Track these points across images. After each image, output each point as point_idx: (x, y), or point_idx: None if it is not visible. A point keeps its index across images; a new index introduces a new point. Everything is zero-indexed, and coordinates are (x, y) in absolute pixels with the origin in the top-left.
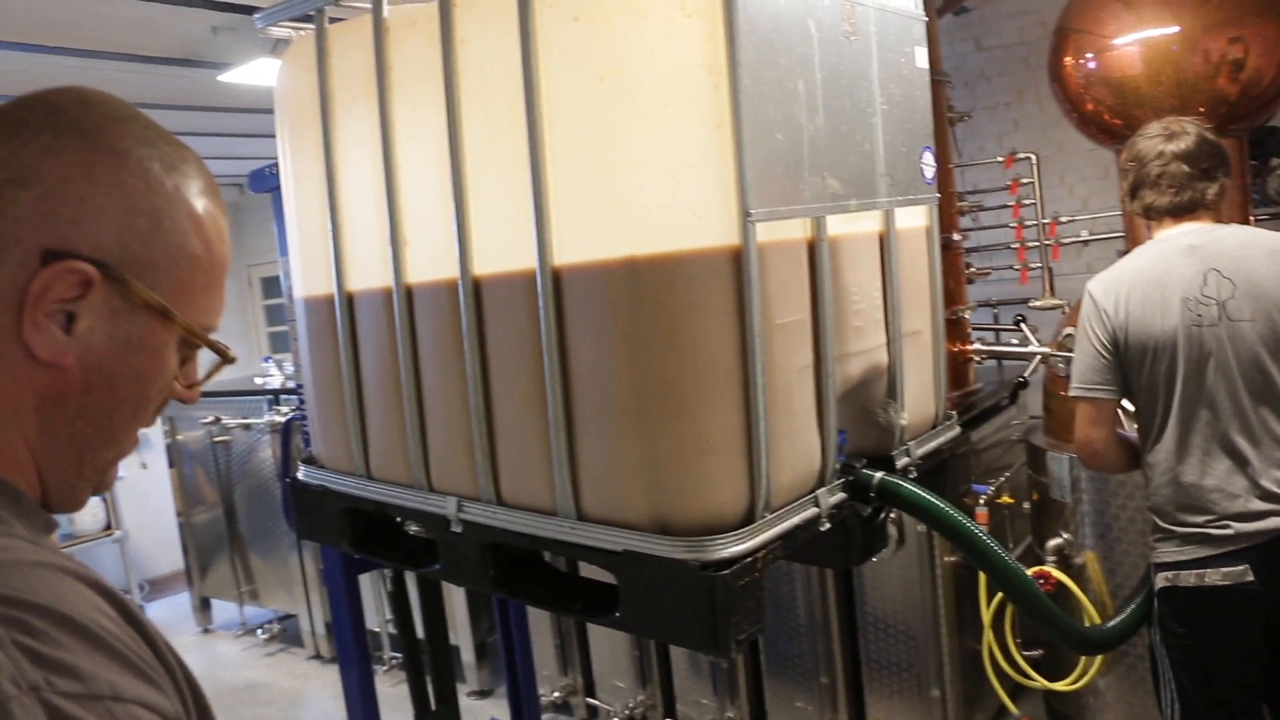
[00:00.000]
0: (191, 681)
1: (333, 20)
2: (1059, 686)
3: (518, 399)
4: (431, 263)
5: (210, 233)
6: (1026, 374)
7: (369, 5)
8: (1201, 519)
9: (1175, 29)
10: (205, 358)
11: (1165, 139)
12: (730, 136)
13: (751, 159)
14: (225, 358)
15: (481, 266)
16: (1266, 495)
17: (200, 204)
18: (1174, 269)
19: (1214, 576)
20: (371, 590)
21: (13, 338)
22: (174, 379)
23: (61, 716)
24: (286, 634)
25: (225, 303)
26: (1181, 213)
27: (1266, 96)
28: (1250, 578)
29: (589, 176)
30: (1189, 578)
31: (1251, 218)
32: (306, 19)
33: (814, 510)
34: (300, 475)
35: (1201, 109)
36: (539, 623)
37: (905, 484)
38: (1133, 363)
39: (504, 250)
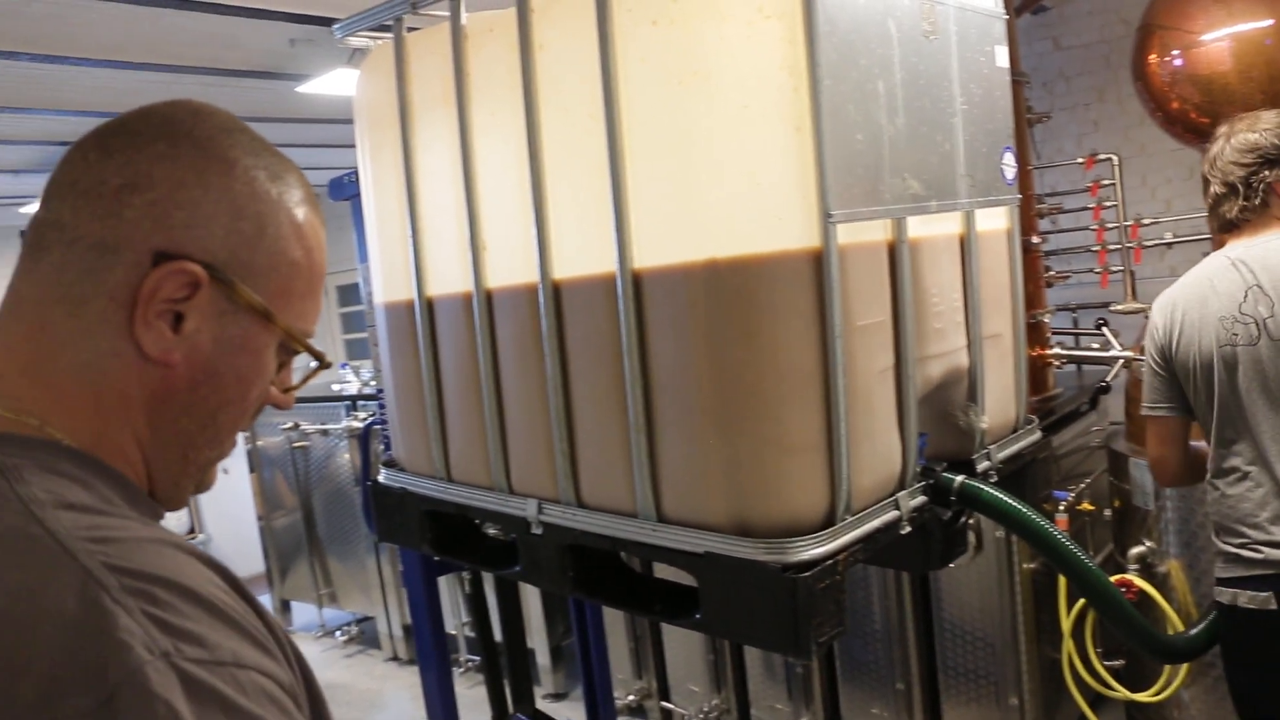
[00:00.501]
0: (299, 655)
1: (410, 29)
2: (1141, 697)
3: (597, 402)
4: (510, 267)
5: (310, 240)
6: (1109, 378)
7: (447, 13)
8: (1237, 541)
9: (1269, 22)
10: (299, 364)
11: (1225, 140)
12: (810, 138)
13: (832, 160)
14: (322, 362)
15: (561, 270)
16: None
17: (301, 212)
18: (1217, 285)
19: (1244, 599)
20: (449, 593)
21: (125, 336)
22: (271, 383)
23: (192, 680)
24: (364, 636)
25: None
26: (1236, 227)
27: None
28: (1274, 605)
29: (668, 179)
30: (1225, 594)
31: None
32: (384, 28)
33: (894, 513)
34: (381, 478)
35: None
36: (613, 626)
37: (986, 488)
38: (1184, 382)
39: (583, 254)
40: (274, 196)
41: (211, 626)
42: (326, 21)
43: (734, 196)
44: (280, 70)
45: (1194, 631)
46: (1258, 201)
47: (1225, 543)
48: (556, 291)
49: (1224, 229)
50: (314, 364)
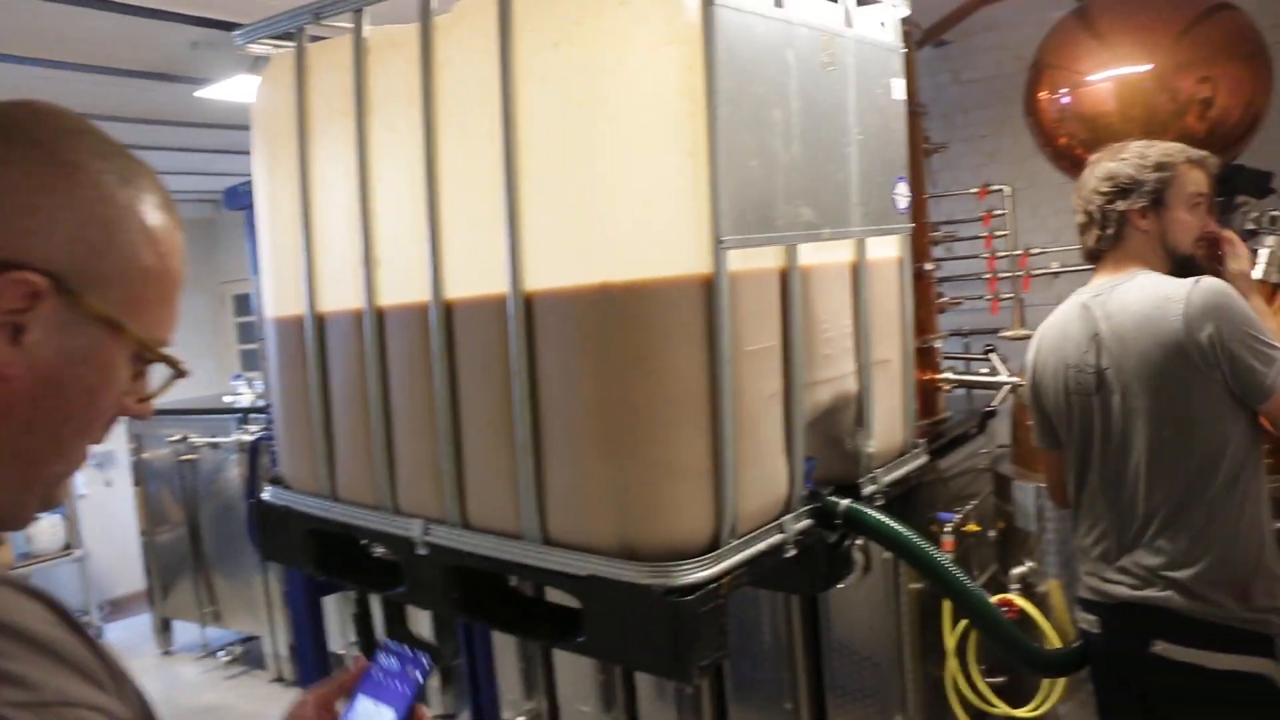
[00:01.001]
0: (137, 687)
1: (313, 39)
2: (1021, 713)
3: (486, 423)
4: (404, 285)
5: (164, 246)
6: (994, 403)
7: (350, 25)
8: (1082, 569)
9: (1148, 67)
10: (160, 372)
11: (1086, 172)
12: (705, 164)
13: (725, 187)
14: (177, 371)
15: (454, 290)
16: (1121, 571)
17: (155, 217)
18: (1069, 330)
19: (1083, 621)
20: (336, 612)
21: None
22: (125, 393)
23: None
24: (249, 656)
25: (191, 318)
26: (1096, 256)
27: (1233, 135)
28: (1098, 630)
29: (564, 202)
30: (1078, 616)
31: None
32: (287, 37)
33: (780, 537)
34: (266, 495)
35: None
36: (505, 645)
37: (871, 511)
38: (1051, 418)
39: (477, 274)
40: (124, 201)
41: (35, 665)
42: (229, 26)
43: (628, 220)
44: (180, 73)
45: (1070, 647)
46: (1111, 232)
47: (1079, 566)
48: (449, 311)
49: (1089, 259)
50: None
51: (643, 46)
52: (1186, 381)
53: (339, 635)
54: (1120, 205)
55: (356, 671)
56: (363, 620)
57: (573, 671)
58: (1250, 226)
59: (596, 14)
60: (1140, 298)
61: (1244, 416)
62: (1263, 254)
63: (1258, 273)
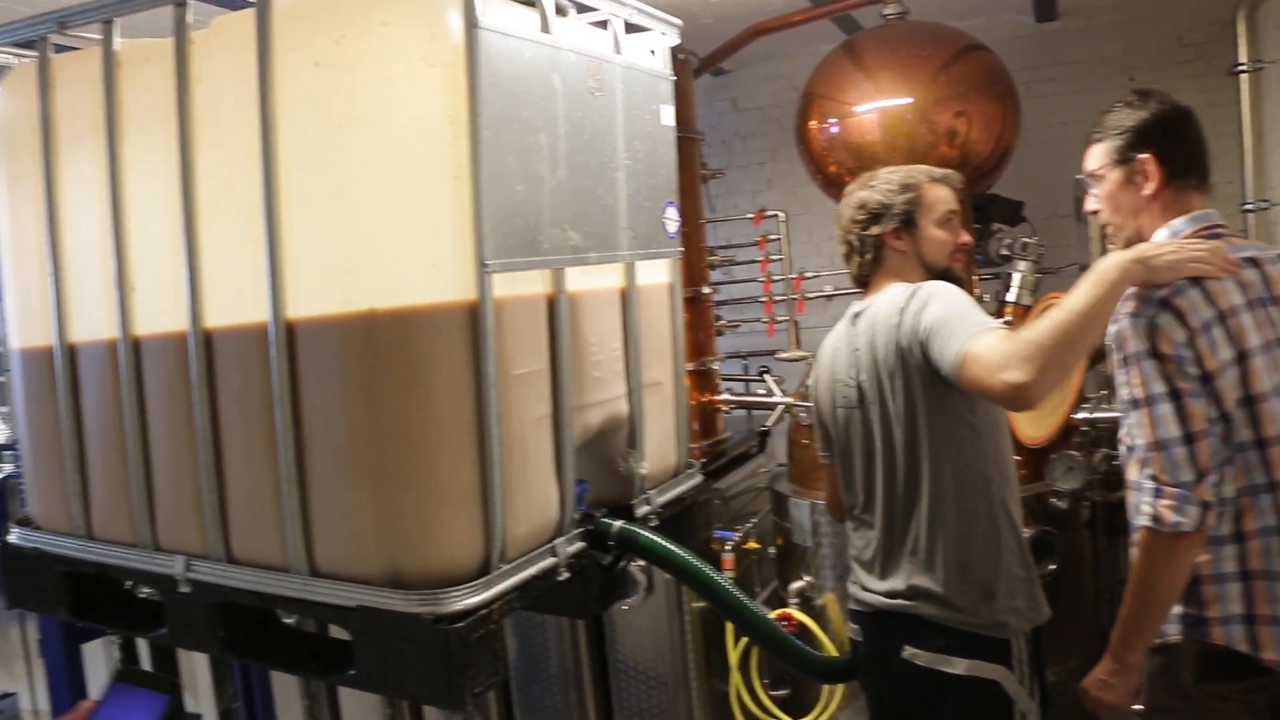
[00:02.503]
0: None
1: (59, 49)
2: None
3: (249, 454)
4: (161, 313)
5: None
6: (769, 424)
7: (99, 36)
8: (850, 577)
9: (909, 100)
10: None
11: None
12: (469, 188)
13: (489, 211)
14: None
15: (214, 318)
16: (879, 580)
17: None
18: (839, 345)
19: (850, 630)
20: (105, 659)
21: None
22: None
23: None
24: (4, 716)
25: None
26: (863, 281)
27: (986, 166)
28: (861, 639)
29: (326, 226)
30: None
31: (976, 277)
32: (29, 45)
33: (552, 560)
34: (12, 537)
35: None
36: (288, 684)
37: (644, 532)
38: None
39: (238, 301)
40: None
41: None
42: None
43: (392, 245)
44: None
45: (843, 656)
46: (870, 256)
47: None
48: (208, 340)
49: (859, 284)
50: None
51: (406, 69)
52: (912, 383)
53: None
54: (875, 230)
55: (81, 715)
56: (128, 667)
57: (358, 706)
58: (1004, 252)
59: (358, 34)
60: (883, 308)
61: (981, 420)
62: (1015, 278)
63: (1010, 295)
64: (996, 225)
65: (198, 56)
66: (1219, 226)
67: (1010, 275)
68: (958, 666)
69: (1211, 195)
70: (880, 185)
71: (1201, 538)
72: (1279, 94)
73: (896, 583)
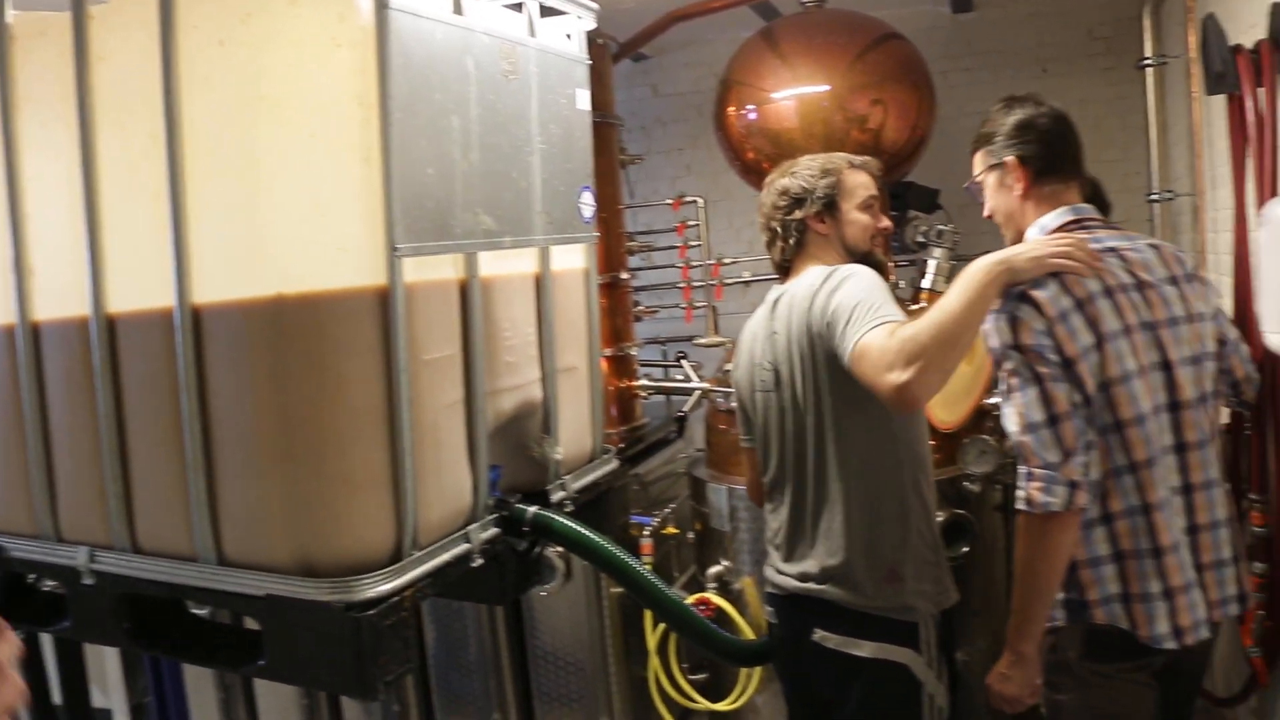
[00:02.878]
0: None
1: None
2: (720, 706)
3: (155, 441)
4: (61, 297)
5: None
6: (686, 409)
7: None
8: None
9: (826, 88)
10: None
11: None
12: (379, 171)
13: (400, 194)
14: None
15: (117, 303)
16: (791, 563)
17: None
18: (758, 329)
19: (766, 612)
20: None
21: None
22: None
23: None
24: None
25: None
26: (785, 268)
27: (902, 154)
28: (776, 621)
29: (233, 209)
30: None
31: (892, 264)
32: None
33: (465, 546)
34: None
35: None
36: (202, 677)
37: (559, 518)
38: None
39: (142, 286)
40: None
41: None
42: None
43: (301, 228)
44: None
45: (759, 639)
46: (794, 241)
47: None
48: (111, 325)
49: (780, 271)
50: None
51: (314, 48)
52: (822, 366)
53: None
54: (798, 214)
55: None
56: (31, 663)
57: (275, 698)
58: (920, 239)
59: (264, 12)
60: (800, 291)
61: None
62: (931, 265)
63: (926, 282)
64: (912, 213)
65: (98, 32)
66: (1089, 219)
67: (926, 262)
68: (865, 649)
69: (1088, 188)
70: (802, 171)
71: (1074, 518)
72: (1183, 88)
73: (806, 566)
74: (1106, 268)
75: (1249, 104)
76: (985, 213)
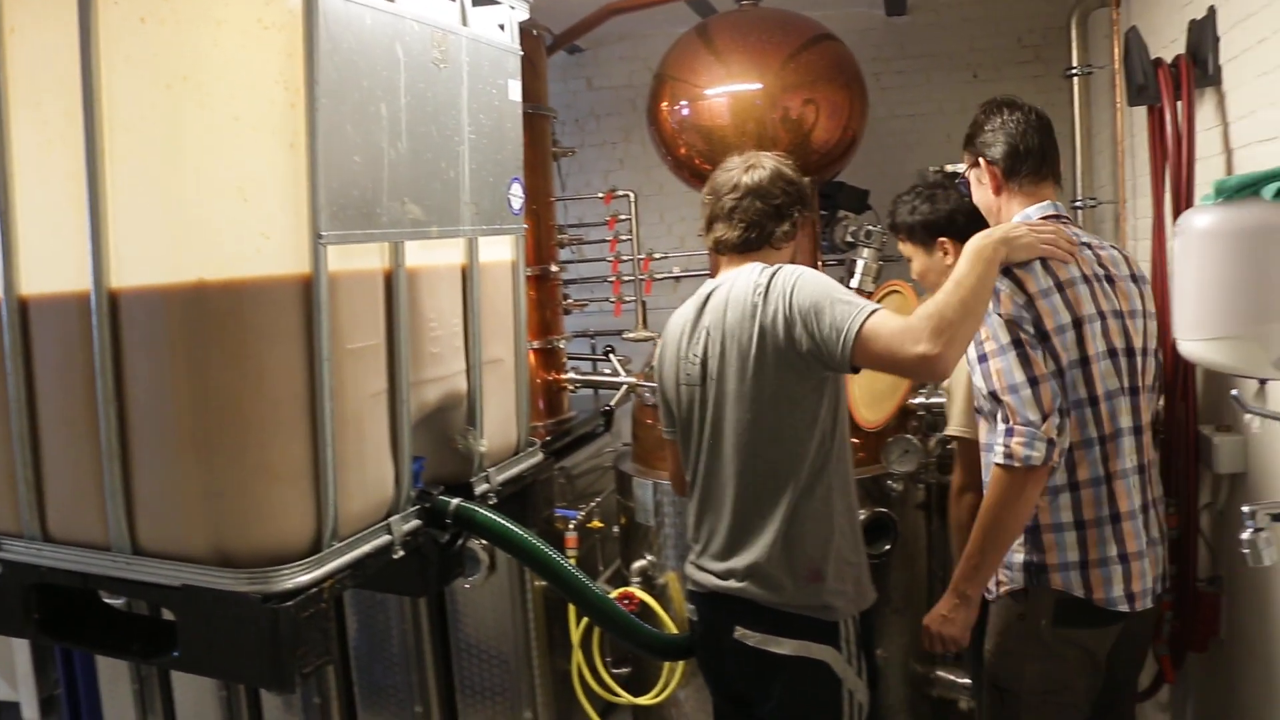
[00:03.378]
0: None
1: None
2: (643, 700)
3: (68, 428)
4: None
5: None
6: (613, 403)
7: None
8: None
9: (759, 85)
10: None
11: (742, 171)
12: (305, 157)
13: (326, 181)
14: None
15: (30, 285)
16: (713, 560)
17: None
18: (685, 323)
19: (688, 610)
20: None
21: None
22: None
23: None
24: None
25: None
26: (749, 249)
27: (834, 154)
28: (697, 618)
29: (153, 192)
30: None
31: (820, 263)
32: None
33: (387, 538)
34: None
35: None
36: (117, 669)
37: (481, 510)
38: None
39: (58, 269)
40: None
41: None
42: None
43: (223, 213)
44: None
45: (680, 634)
46: (782, 231)
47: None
48: (24, 308)
49: (730, 251)
50: None
51: (240, 30)
52: (765, 363)
53: None
54: (797, 209)
55: None
56: None
57: (192, 691)
58: (849, 239)
59: None
60: (739, 287)
61: (826, 403)
62: (859, 265)
63: (854, 282)
64: (843, 212)
65: (9, 5)
66: (1062, 217)
67: (854, 261)
68: (785, 647)
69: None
70: (789, 169)
71: (1046, 474)
72: (1107, 97)
73: (728, 564)
74: (1084, 258)
75: (1168, 116)
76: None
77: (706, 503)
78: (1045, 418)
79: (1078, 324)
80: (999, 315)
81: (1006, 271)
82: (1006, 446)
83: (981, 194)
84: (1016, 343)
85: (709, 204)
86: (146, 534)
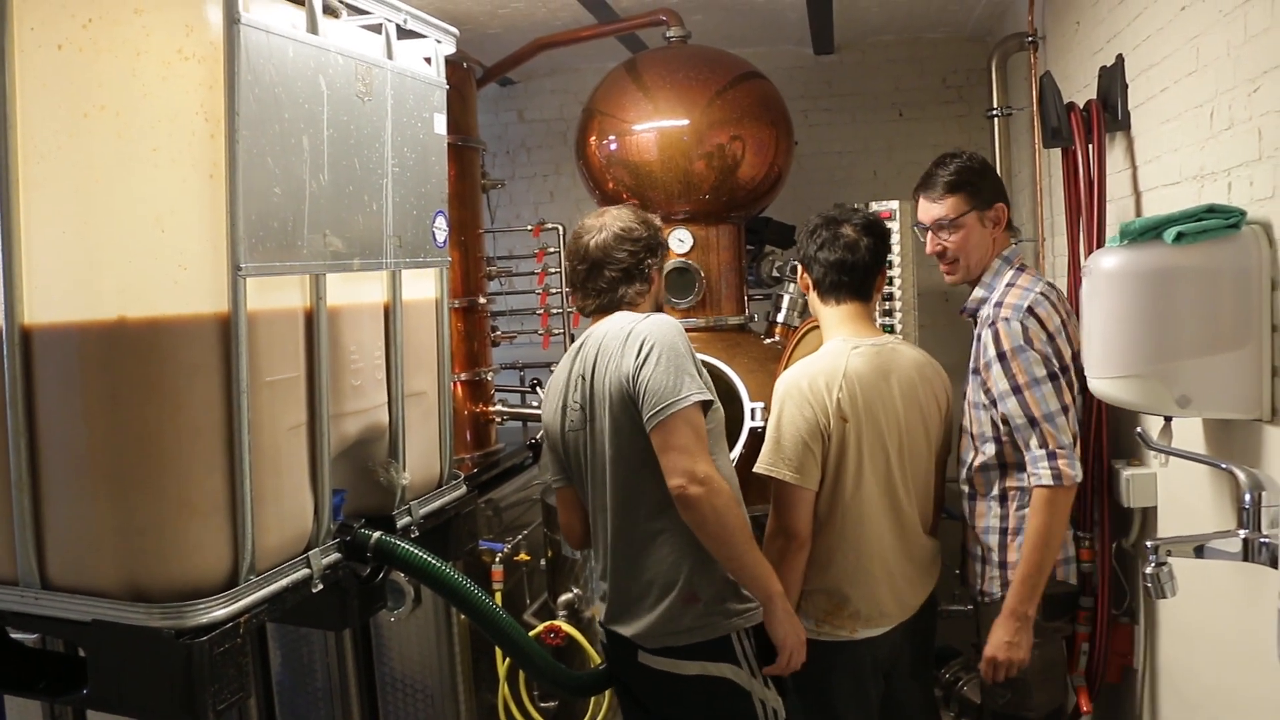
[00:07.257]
0: None
1: None
2: None
3: None
4: None
5: None
6: (538, 437)
7: None
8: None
9: (686, 122)
10: None
11: (591, 235)
12: (224, 188)
13: (245, 212)
14: None
15: None
16: (606, 607)
17: None
18: (565, 370)
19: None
20: None
21: None
22: None
23: None
24: None
25: None
26: (609, 310)
27: (760, 190)
28: (606, 641)
29: (68, 221)
30: None
31: (746, 297)
32: None
33: (305, 572)
34: None
35: (705, 196)
36: (28, 709)
37: (402, 543)
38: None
39: None
40: None
41: None
42: None
43: (139, 245)
44: None
45: (597, 668)
46: (639, 287)
47: None
48: None
49: (601, 312)
50: None
51: (160, 61)
52: (623, 403)
53: None
54: (650, 261)
55: None
56: None
57: None
58: (775, 274)
59: (108, 19)
60: (611, 334)
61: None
62: (785, 299)
63: (780, 316)
64: (769, 248)
65: None
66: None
67: (780, 296)
68: (688, 668)
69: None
70: (638, 221)
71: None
72: (1027, 137)
73: (618, 600)
74: (1060, 300)
75: (1080, 159)
76: (934, 249)
77: (598, 540)
78: (1075, 441)
79: (1075, 357)
80: (1034, 350)
81: (1029, 311)
82: (1055, 469)
83: (984, 237)
84: (1053, 375)
85: (568, 270)
86: (57, 568)
